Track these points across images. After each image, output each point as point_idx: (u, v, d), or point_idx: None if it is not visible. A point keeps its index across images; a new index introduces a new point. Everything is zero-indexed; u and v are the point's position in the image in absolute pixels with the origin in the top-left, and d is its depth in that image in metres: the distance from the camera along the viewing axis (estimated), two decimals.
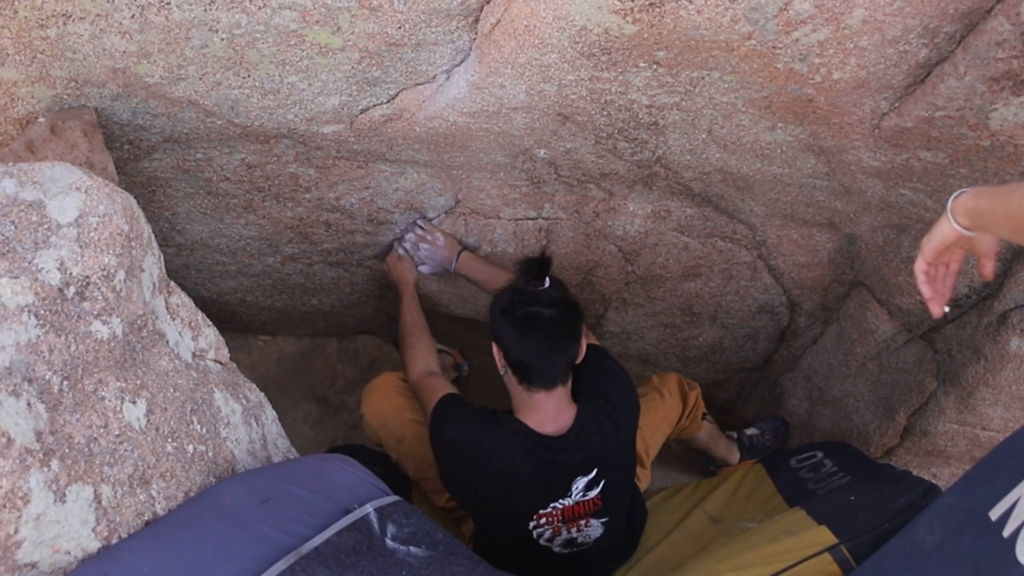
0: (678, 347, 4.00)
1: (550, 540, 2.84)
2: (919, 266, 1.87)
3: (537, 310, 2.71)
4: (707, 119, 2.44)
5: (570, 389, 2.79)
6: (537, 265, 2.83)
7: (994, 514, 1.71)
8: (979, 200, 1.66)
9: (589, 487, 2.75)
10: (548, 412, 2.73)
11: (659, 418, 3.52)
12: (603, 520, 2.85)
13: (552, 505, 2.76)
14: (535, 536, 2.82)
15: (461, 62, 2.37)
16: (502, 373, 2.83)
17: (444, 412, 2.85)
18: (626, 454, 2.88)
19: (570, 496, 2.75)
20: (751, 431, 4.04)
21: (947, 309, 1.90)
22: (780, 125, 2.38)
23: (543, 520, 2.78)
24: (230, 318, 3.97)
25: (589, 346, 2.92)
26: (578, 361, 2.81)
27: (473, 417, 2.79)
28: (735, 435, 4.00)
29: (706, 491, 3.39)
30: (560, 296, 2.78)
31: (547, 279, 2.82)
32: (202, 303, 2.39)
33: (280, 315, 4.01)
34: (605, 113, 2.45)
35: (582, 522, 2.81)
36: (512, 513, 2.79)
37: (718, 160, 2.69)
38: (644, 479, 3.40)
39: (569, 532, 2.83)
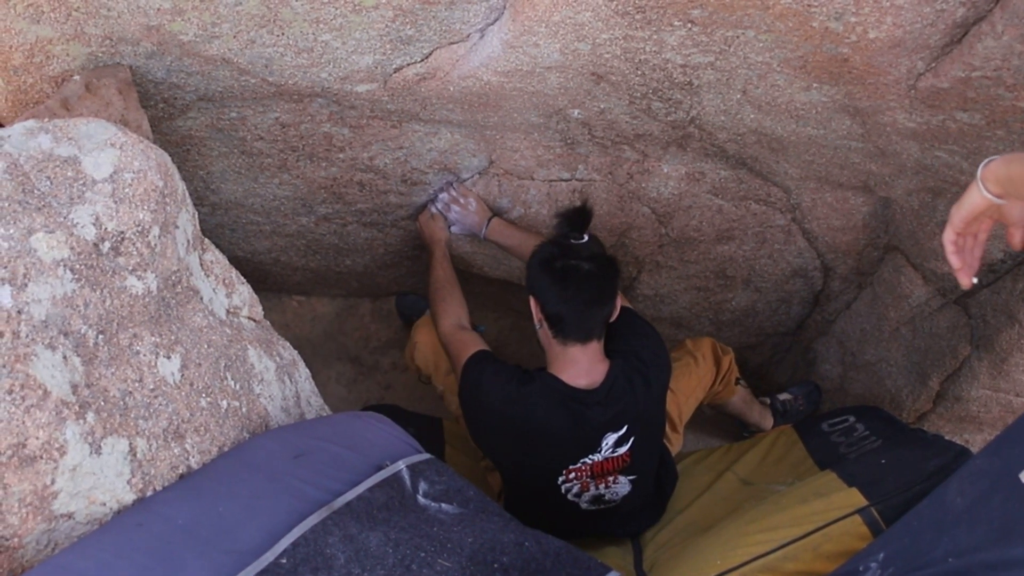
0: (711, 311, 3.99)
1: (578, 496, 2.86)
2: (948, 236, 1.85)
3: (576, 263, 2.73)
4: (742, 79, 2.42)
5: (602, 344, 2.81)
6: (578, 216, 2.83)
7: None
8: (1011, 166, 1.65)
9: (619, 443, 2.77)
10: (582, 366, 2.76)
11: (693, 383, 3.53)
12: (631, 478, 2.88)
13: (582, 460, 2.78)
14: (563, 491, 2.85)
15: (495, 20, 2.36)
16: (537, 327, 2.85)
17: (478, 368, 2.86)
18: (656, 412, 2.89)
19: (599, 452, 2.76)
20: (784, 396, 4.04)
21: (975, 280, 1.88)
22: (815, 85, 2.36)
23: (572, 475, 2.80)
24: (264, 278, 3.99)
25: (622, 307, 2.93)
26: (612, 319, 2.83)
27: (507, 373, 2.81)
28: (768, 401, 4.00)
29: (737, 454, 3.40)
30: (599, 251, 2.81)
31: (586, 234, 2.82)
32: (236, 263, 2.41)
33: (314, 275, 4.03)
34: (639, 73, 2.44)
35: (610, 478, 2.83)
36: (542, 467, 2.81)
37: (752, 121, 2.67)
38: (676, 443, 3.41)
39: (597, 488, 2.85)
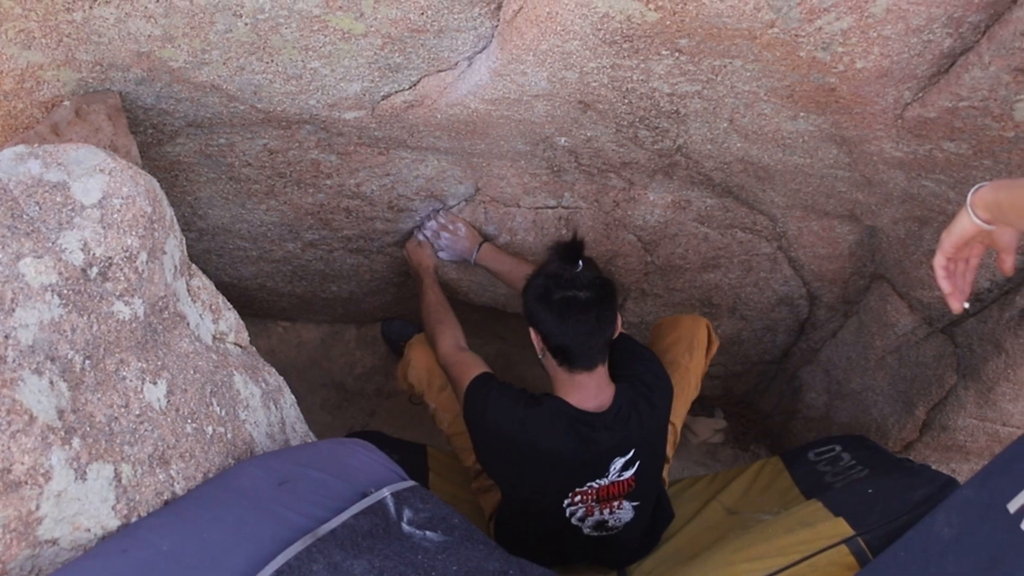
0: None
1: (581, 520, 2.86)
2: (938, 261, 1.86)
3: (573, 294, 2.70)
4: (729, 108, 2.43)
5: (607, 367, 2.81)
6: (570, 249, 2.82)
7: (1012, 506, 1.70)
8: (999, 193, 1.66)
9: (625, 467, 2.77)
10: (590, 390, 2.75)
11: (691, 390, 3.46)
12: (635, 504, 2.88)
13: (588, 484, 2.77)
14: (567, 514, 2.84)
15: (483, 49, 2.37)
16: (540, 356, 2.84)
17: (484, 390, 2.84)
18: (659, 436, 2.89)
19: (606, 476, 2.76)
20: None
21: (967, 305, 1.89)
22: (802, 114, 2.38)
23: (577, 499, 2.80)
24: (250, 304, 3.99)
25: (620, 333, 2.93)
26: (614, 337, 2.83)
27: (513, 396, 2.79)
28: None
29: (723, 483, 3.40)
30: (594, 277, 2.78)
31: (580, 262, 2.82)
32: (223, 288, 2.40)
33: (300, 301, 4.02)
34: (626, 101, 2.45)
35: (615, 503, 2.83)
36: (548, 490, 2.81)
37: (739, 149, 2.68)
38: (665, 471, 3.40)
39: (601, 513, 2.85)
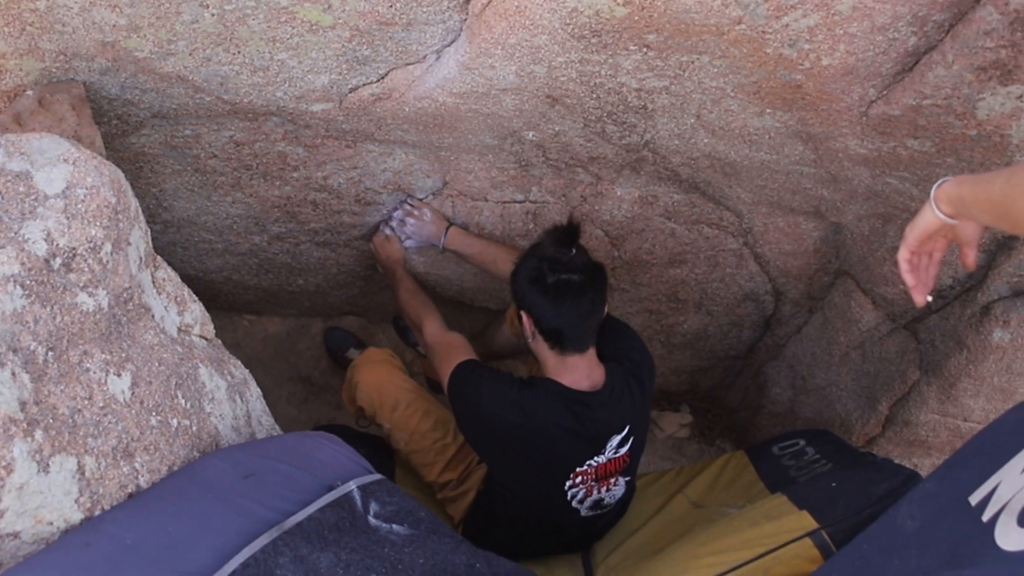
0: (662, 333, 4.01)
1: (581, 501, 2.89)
2: (902, 254, 1.88)
3: (567, 277, 2.73)
4: (696, 104, 2.44)
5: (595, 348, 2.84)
6: (567, 233, 2.83)
7: (974, 499, 1.71)
8: (962, 187, 1.67)
9: (621, 444, 2.82)
10: (582, 372, 2.79)
11: None
12: (627, 479, 2.94)
13: (587, 463, 2.80)
14: (569, 497, 2.87)
15: (452, 42, 2.37)
16: (530, 339, 2.86)
17: (474, 376, 2.85)
18: (647, 413, 2.95)
19: (603, 454, 2.80)
20: None
21: (930, 298, 1.91)
22: (768, 111, 2.39)
23: (579, 479, 2.82)
24: (216, 297, 3.96)
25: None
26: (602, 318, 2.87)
27: (505, 379, 2.81)
28: None
29: (688, 477, 3.41)
30: (586, 260, 2.81)
31: (574, 247, 2.83)
32: (188, 281, 2.39)
33: (266, 294, 4.00)
34: (594, 96, 2.45)
35: (612, 480, 2.88)
36: (550, 473, 2.83)
37: (706, 145, 2.69)
38: None
39: (599, 492, 2.89)
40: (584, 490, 2.86)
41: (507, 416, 2.74)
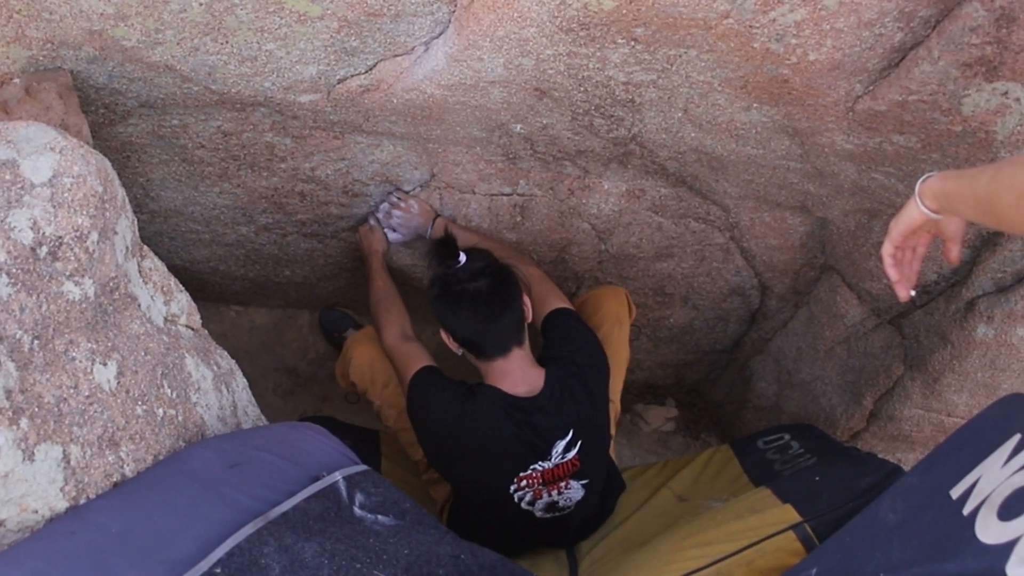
0: (649, 327, 4.02)
1: (531, 504, 2.88)
2: (886, 249, 1.89)
3: (463, 287, 2.78)
4: (683, 97, 2.44)
5: (528, 349, 2.85)
6: (444, 246, 2.87)
7: (955, 493, 1.73)
8: (946, 183, 1.68)
9: (567, 449, 2.81)
10: (515, 375, 2.79)
11: (623, 359, 3.50)
12: (583, 482, 2.90)
13: (532, 467, 2.80)
14: (516, 500, 2.86)
15: (440, 34, 2.37)
16: (460, 354, 2.90)
17: (423, 385, 2.89)
18: (599, 415, 2.91)
19: (549, 459, 2.79)
20: None
21: (913, 293, 1.92)
22: (755, 105, 2.40)
23: (524, 483, 2.82)
24: (202, 287, 3.96)
25: (557, 311, 2.98)
26: (529, 319, 2.88)
27: (451, 389, 2.83)
28: None
29: (673, 470, 3.42)
30: (482, 266, 2.84)
31: (460, 255, 2.86)
32: (175, 271, 2.38)
33: (253, 285, 4.00)
34: (582, 89, 2.46)
35: (562, 484, 2.85)
36: (493, 477, 2.83)
37: (693, 139, 2.70)
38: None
39: (550, 495, 2.87)
40: (531, 493, 2.86)
41: (449, 424, 2.78)
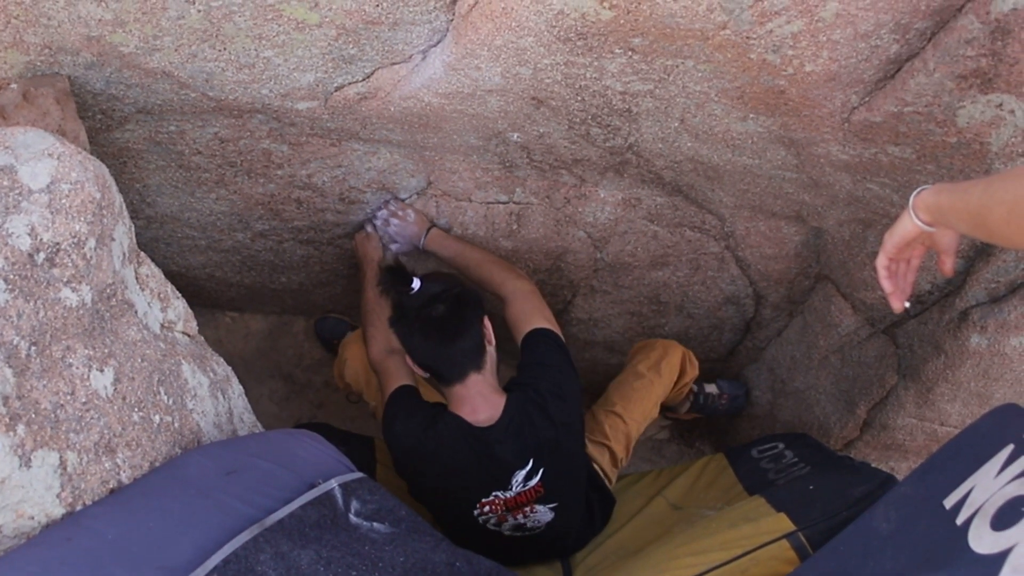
0: (644, 335, 4.02)
1: (497, 525, 2.89)
2: (880, 261, 1.90)
3: (415, 314, 2.77)
4: (680, 107, 2.45)
5: (489, 375, 2.84)
6: (393, 273, 2.86)
7: (948, 503, 1.74)
8: (940, 196, 1.69)
9: (528, 477, 2.79)
10: (474, 401, 2.78)
11: (649, 405, 3.53)
12: (551, 505, 2.88)
13: (494, 494, 2.80)
14: (481, 522, 2.86)
15: (438, 43, 2.37)
16: (426, 378, 2.92)
17: (394, 408, 2.91)
18: (565, 441, 2.86)
19: (510, 489, 2.79)
20: (711, 388, 4.05)
21: (907, 304, 1.93)
22: (752, 116, 2.40)
23: (486, 508, 2.82)
24: (198, 293, 3.96)
25: (534, 332, 2.97)
26: (491, 343, 2.85)
27: (417, 416, 2.85)
28: (695, 387, 4.01)
29: (668, 479, 3.42)
30: (437, 291, 2.82)
31: (413, 280, 2.86)
32: (171, 277, 2.39)
33: (248, 292, 4.00)
34: (579, 98, 2.46)
35: (526, 508, 2.85)
36: (455, 502, 2.85)
37: (689, 149, 2.70)
38: (612, 479, 3.39)
39: (515, 519, 2.87)
40: (496, 517, 2.86)
41: (411, 449, 2.80)
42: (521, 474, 2.78)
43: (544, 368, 2.91)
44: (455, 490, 2.81)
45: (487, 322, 2.86)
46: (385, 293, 2.88)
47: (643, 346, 3.72)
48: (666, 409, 4.05)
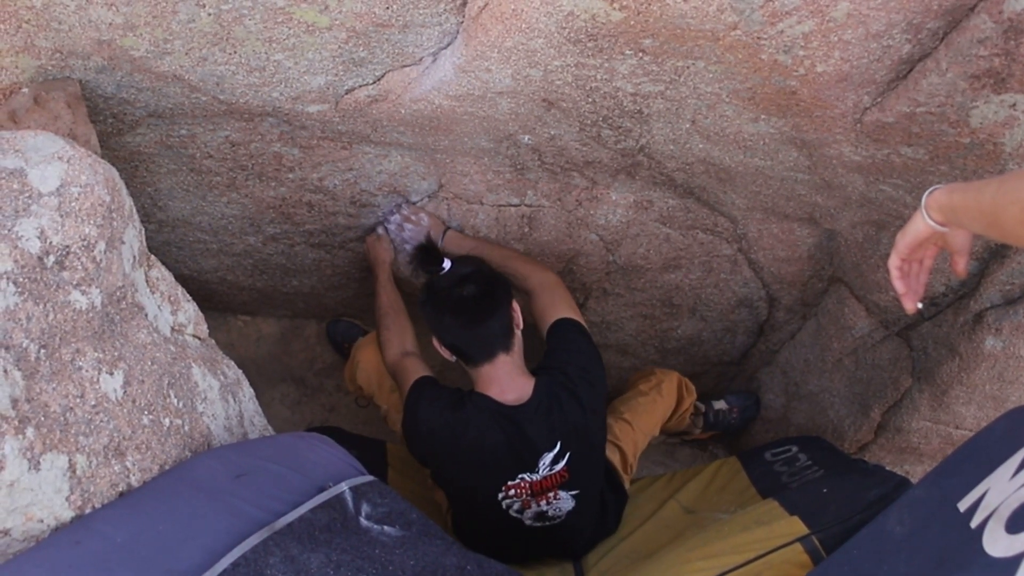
0: (657, 338, 4.01)
1: (520, 512, 2.88)
2: (893, 261, 1.89)
3: (447, 293, 2.81)
4: (691, 109, 2.44)
5: (517, 356, 2.86)
6: (426, 253, 2.88)
7: (962, 506, 1.72)
8: (952, 196, 1.68)
9: (555, 461, 2.80)
10: (503, 381, 2.81)
11: (655, 420, 3.58)
12: (573, 492, 2.89)
13: (520, 476, 2.80)
14: (504, 507, 2.86)
15: (448, 45, 2.37)
16: (453, 361, 2.93)
17: (416, 395, 2.91)
18: (592, 428, 2.89)
19: (537, 472, 2.79)
20: (719, 405, 4.07)
21: (920, 306, 1.92)
22: (763, 117, 2.39)
23: (512, 492, 2.82)
24: (210, 297, 3.96)
25: (560, 320, 2.98)
26: (519, 326, 2.88)
27: (443, 399, 2.86)
28: (703, 407, 4.03)
29: (680, 482, 3.41)
30: (467, 272, 2.87)
31: (444, 261, 2.88)
32: (182, 281, 2.39)
33: (260, 295, 4.00)
34: (590, 100, 2.46)
35: (551, 494, 2.85)
36: (481, 484, 2.84)
37: (701, 151, 2.69)
38: (625, 482, 3.39)
39: (539, 505, 2.86)
40: (520, 503, 2.86)
41: (439, 432, 2.80)
42: (549, 456, 2.79)
43: (572, 354, 2.93)
44: (483, 471, 2.81)
45: (516, 305, 2.89)
46: (415, 274, 2.89)
47: (642, 373, 3.81)
48: (681, 434, 4.07)
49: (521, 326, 2.89)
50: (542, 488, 2.83)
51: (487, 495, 2.84)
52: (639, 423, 3.48)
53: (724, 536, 2.54)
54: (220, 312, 4.26)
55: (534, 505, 2.86)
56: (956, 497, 1.75)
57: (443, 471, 2.92)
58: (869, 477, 2.66)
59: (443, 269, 2.86)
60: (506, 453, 2.77)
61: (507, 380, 2.81)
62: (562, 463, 2.81)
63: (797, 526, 2.42)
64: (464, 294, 2.78)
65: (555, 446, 2.79)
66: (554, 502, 2.87)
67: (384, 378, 3.35)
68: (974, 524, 1.65)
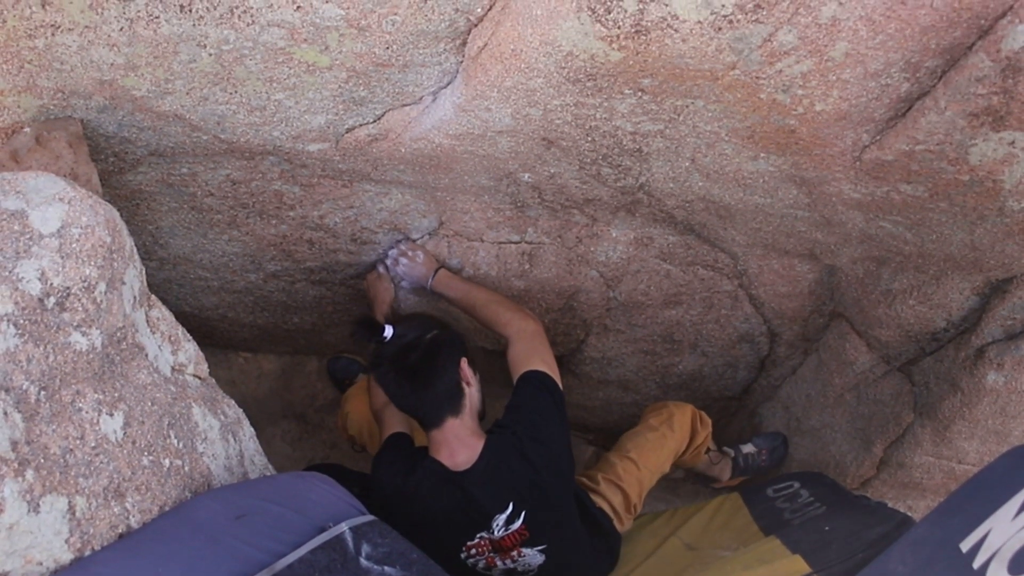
0: (658, 374, 4.01)
1: (488, 570, 2.84)
2: None
3: (390, 362, 2.80)
4: (690, 147, 2.45)
5: (469, 419, 2.83)
6: (362, 327, 2.87)
7: (965, 545, 1.72)
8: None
9: (510, 521, 2.74)
10: (452, 445, 2.78)
11: (663, 457, 3.51)
12: (539, 548, 2.82)
13: (478, 536, 2.77)
14: (470, 565, 2.83)
15: (448, 84, 2.38)
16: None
17: (379, 456, 2.95)
18: (548, 484, 2.80)
19: (492, 532, 2.75)
20: (748, 449, 4.02)
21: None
22: (763, 155, 2.40)
23: (473, 551, 2.79)
24: (211, 334, 3.96)
25: (526, 374, 2.94)
26: (468, 383, 2.84)
27: (399, 462, 2.87)
28: (731, 452, 3.99)
29: (682, 519, 3.39)
30: (411, 339, 2.84)
31: (384, 329, 2.87)
32: (183, 318, 2.39)
33: (261, 332, 4.00)
34: (590, 139, 2.46)
35: (514, 553, 2.80)
36: (441, 546, 2.77)
37: (701, 188, 2.70)
38: (627, 522, 3.35)
39: (504, 563, 2.82)
40: (484, 560, 2.82)
41: (392, 497, 2.79)
42: (502, 517, 2.74)
43: (525, 412, 2.87)
44: (438, 534, 2.75)
45: (464, 364, 2.84)
46: (357, 345, 2.90)
47: (655, 406, 3.72)
48: (709, 480, 4.04)
49: (472, 384, 2.85)
50: (503, 547, 2.79)
51: (449, 555, 2.78)
52: (645, 461, 3.44)
53: (726, 574, 2.53)
54: (221, 349, 4.26)
55: (499, 563, 2.82)
56: (958, 537, 1.75)
57: (403, 532, 2.90)
58: (871, 515, 2.65)
59: (384, 338, 2.84)
60: (459, 517, 2.74)
61: (456, 444, 2.77)
62: (518, 522, 2.75)
63: (799, 565, 2.41)
64: (407, 362, 2.76)
65: (507, 507, 2.73)
66: (520, 559, 2.82)
67: (375, 427, 3.34)
68: (977, 565, 1.64)
